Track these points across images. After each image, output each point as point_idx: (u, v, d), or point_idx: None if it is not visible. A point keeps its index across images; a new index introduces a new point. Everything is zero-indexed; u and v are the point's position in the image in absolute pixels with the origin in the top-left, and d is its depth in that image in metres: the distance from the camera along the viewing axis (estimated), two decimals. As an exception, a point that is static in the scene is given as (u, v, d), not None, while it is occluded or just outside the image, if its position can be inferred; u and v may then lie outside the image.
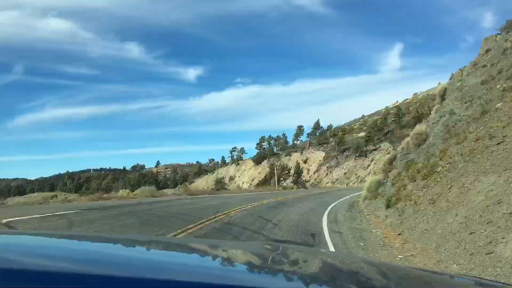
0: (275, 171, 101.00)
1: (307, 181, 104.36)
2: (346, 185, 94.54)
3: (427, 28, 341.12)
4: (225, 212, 16.39)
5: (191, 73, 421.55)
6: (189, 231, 10.97)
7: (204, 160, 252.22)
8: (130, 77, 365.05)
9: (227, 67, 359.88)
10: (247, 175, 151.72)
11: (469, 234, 7.44)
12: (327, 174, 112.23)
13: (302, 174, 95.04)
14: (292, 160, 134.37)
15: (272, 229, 12.22)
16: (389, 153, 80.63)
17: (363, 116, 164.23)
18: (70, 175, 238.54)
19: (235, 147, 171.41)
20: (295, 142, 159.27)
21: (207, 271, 1.50)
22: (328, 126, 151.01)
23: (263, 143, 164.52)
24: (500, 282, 2.74)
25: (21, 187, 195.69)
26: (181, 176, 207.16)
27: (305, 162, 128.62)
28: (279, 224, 13.56)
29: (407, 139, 18.22)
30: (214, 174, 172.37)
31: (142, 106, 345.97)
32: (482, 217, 7.55)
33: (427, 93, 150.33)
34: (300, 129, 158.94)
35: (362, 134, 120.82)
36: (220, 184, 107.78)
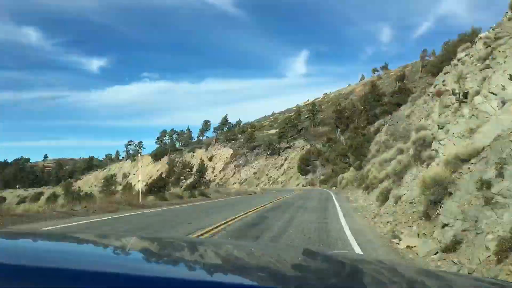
0: (175, 169, 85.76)
1: (211, 181, 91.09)
2: (257, 186, 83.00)
3: (331, 38, 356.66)
4: None
5: (95, 63, 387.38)
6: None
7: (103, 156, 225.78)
8: (25, 64, 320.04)
9: (134, 61, 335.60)
10: (144, 173, 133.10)
11: None
12: (234, 173, 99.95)
13: (206, 173, 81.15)
14: (196, 157, 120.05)
15: None
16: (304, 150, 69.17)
17: (273, 114, 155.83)
18: None
19: (131, 141, 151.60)
20: (201, 138, 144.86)
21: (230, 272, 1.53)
22: (237, 122, 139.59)
23: (164, 138, 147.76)
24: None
25: None
26: (69, 171, 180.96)
27: (210, 159, 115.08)
28: None
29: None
30: (106, 170, 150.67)
31: (38, 95, 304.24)
32: None
33: (338, 92, 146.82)
34: (206, 124, 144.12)
35: (273, 131, 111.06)
36: (108, 182, 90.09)
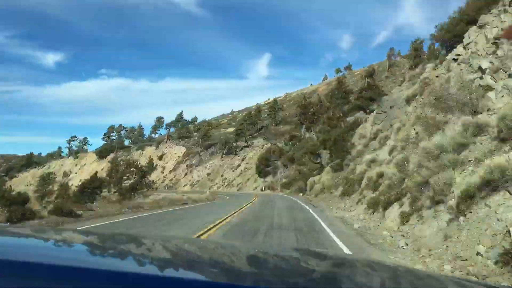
0: (118, 167, 75.09)
1: (154, 183, 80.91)
2: (210, 188, 73.83)
3: (293, 43, 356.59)
4: None
5: (50, 58, 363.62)
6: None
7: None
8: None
9: (92, 57, 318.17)
10: (87, 171, 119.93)
11: None
12: (186, 174, 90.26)
13: (149, 174, 70.81)
14: (146, 156, 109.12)
15: None
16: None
17: (232, 112, 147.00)
18: None
19: (74, 136, 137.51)
20: (153, 135, 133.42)
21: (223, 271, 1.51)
22: (192, 119, 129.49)
23: (112, 134, 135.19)
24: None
25: None
26: (8, 168, 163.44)
27: (160, 158, 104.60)
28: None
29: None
30: (45, 167, 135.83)
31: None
32: None
33: (300, 92, 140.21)
34: (159, 121, 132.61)
35: (232, 129, 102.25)
36: (44, 181, 78.37)
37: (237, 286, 1.19)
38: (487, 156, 7.62)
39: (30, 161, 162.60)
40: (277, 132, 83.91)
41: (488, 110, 10.02)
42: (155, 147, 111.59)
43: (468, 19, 19.61)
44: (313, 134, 45.62)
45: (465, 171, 8.02)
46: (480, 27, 15.41)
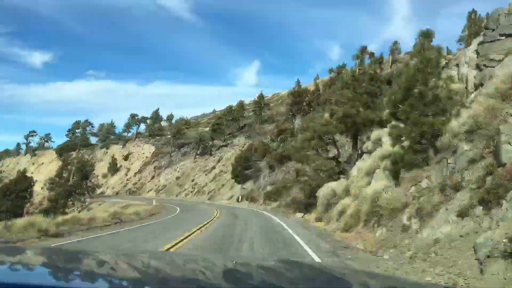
0: (70, 167, 60.37)
1: (100, 186, 67.01)
2: (176, 195, 59.65)
3: (282, 51, 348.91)
4: None
5: (37, 57, 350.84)
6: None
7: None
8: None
9: (80, 57, 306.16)
10: (45, 171, 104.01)
11: None
12: (153, 177, 75.81)
13: (92, 178, 56.21)
14: (110, 154, 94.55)
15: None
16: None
17: (214, 111, 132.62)
18: None
19: (34, 131, 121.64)
20: (125, 134, 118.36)
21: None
22: (168, 116, 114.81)
23: (77, 130, 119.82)
24: None
25: None
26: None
27: (126, 158, 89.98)
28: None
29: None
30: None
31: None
32: None
33: (289, 92, 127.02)
34: (133, 118, 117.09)
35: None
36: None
37: None
38: None
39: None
40: (263, 131, 70.43)
41: None
42: (121, 146, 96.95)
43: None
44: (322, 111, 30.58)
45: None
46: None
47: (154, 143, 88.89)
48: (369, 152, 16.63)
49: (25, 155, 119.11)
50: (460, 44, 55.46)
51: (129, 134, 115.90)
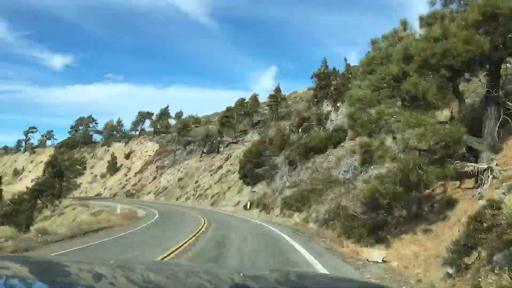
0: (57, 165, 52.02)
1: (79, 186, 58.60)
2: (176, 199, 50.72)
3: (300, 57, 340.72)
4: None
5: (58, 60, 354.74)
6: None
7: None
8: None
9: (99, 61, 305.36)
10: (42, 169, 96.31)
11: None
12: (155, 177, 67.02)
13: (69, 170, 47.58)
14: (111, 153, 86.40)
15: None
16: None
17: (227, 109, 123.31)
18: None
19: (34, 128, 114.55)
20: (133, 132, 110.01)
21: None
22: (177, 113, 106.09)
23: (80, 127, 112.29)
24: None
25: None
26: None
27: (127, 156, 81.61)
28: None
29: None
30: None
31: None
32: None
33: (316, 73, 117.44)
34: (141, 115, 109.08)
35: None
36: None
37: None
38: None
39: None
40: (278, 128, 61.13)
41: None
42: (124, 143, 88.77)
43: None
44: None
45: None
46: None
47: (159, 140, 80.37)
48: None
49: (24, 152, 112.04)
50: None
51: (136, 133, 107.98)
